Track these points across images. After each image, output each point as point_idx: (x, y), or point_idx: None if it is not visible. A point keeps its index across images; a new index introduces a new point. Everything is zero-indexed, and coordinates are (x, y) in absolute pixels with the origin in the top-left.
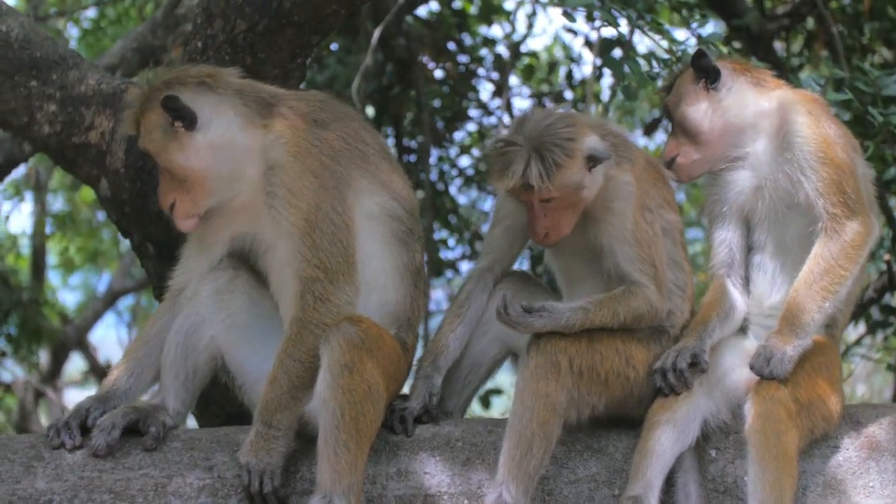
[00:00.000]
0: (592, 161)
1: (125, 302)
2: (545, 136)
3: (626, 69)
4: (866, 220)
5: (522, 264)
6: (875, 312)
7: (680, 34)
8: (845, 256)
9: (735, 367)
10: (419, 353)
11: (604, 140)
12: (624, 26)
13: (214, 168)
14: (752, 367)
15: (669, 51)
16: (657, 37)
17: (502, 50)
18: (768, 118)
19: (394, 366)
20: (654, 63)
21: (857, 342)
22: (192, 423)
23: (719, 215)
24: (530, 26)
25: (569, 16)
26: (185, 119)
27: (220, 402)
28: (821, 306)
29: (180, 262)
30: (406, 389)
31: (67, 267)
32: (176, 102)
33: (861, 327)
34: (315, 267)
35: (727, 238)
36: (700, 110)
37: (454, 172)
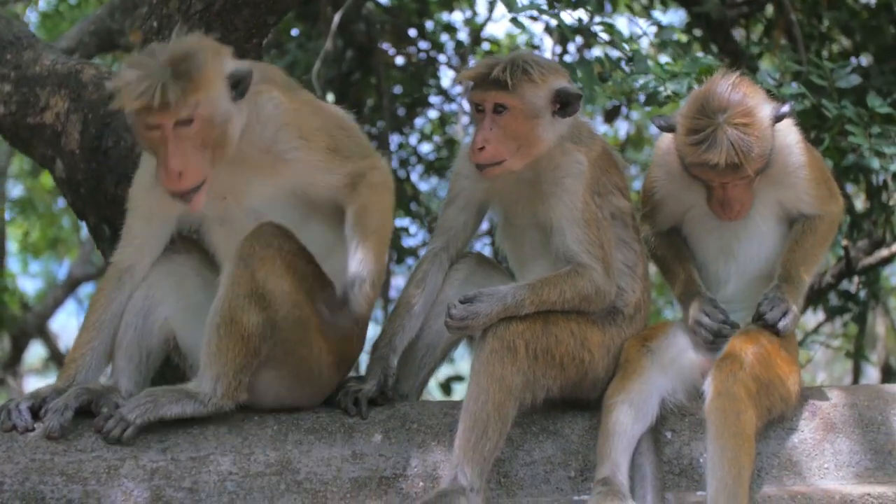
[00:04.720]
0: (559, 100)
1: (86, 289)
2: (527, 55)
3: (580, 73)
4: (839, 201)
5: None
6: (833, 298)
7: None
8: (830, 230)
9: (688, 347)
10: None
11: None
12: (582, 16)
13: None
14: (761, 314)
15: (620, 48)
16: (607, 37)
17: (463, 36)
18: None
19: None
20: (606, 66)
21: (816, 330)
22: None
23: (671, 198)
24: (491, 10)
25: (517, 22)
26: (241, 93)
27: (174, 383)
28: (812, 273)
29: (124, 239)
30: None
31: (32, 251)
32: (249, 78)
33: (820, 314)
34: None
35: (669, 225)
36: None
37: (414, 159)
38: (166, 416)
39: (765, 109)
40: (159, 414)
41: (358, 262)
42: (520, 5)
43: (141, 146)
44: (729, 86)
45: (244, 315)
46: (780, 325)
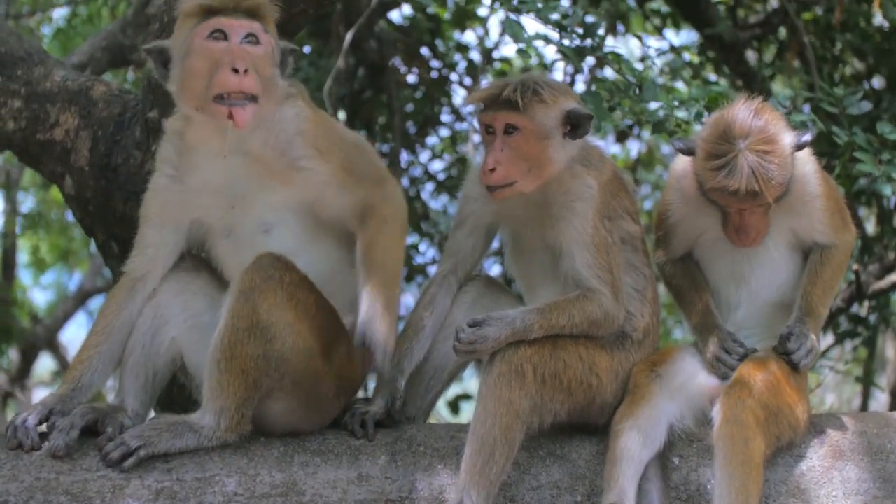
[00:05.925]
0: (569, 122)
1: (96, 302)
2: (537, 77)
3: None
4: (852, 230)
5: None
6: (843, 322)
7: (652, 43)
8: (845, 260)
9: (697, 373)
10: None
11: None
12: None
13: None
14: (786, 348)
15: (633, 74)
16: (616, 65)
17: (475, 56)
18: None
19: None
20: (615, 94)
21: (825, 353)
22: None
23: (685, 221)
24: (503, 33)
25: (523, 53)
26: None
27: (183, 404)
28: (828, 305)
29: (137, 248)
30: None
31: (39, 266)
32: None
33: (829, 338)
34: None
35: (683, 251)
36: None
37: (425, 178)
38: (170, 451)
39: (786, 137)
40: (163, 448)
41: (367, 306)
42: (526, 36)
43: (194, 73)
44: (751, 112)
45: (244, 349)
46: (802, 363)
